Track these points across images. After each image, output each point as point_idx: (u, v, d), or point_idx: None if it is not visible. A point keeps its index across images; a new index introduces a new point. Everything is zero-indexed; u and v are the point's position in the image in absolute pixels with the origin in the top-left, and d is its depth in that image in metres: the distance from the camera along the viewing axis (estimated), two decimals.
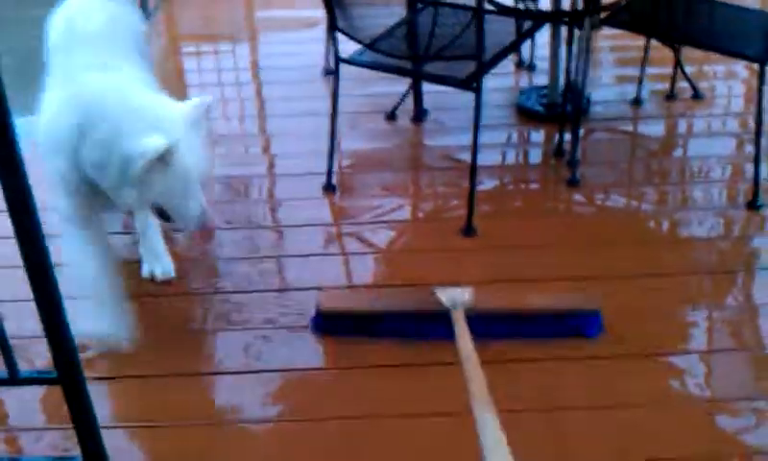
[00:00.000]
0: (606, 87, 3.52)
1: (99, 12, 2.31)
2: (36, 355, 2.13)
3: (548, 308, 2.16)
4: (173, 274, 2.45)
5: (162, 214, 2.08)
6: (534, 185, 2.94)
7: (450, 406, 1.83)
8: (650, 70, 3.33)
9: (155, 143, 1.86)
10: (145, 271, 2.46)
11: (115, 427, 1.94)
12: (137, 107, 1.97)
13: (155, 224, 2.40)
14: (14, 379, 1.71)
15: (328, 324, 2.20)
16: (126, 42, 2.33)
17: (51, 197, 2.05)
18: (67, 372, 1.66)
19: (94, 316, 2.06)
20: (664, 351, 2.14)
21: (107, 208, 2.18)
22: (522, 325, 2.13)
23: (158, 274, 2.45)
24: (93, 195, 2.07)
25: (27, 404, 2.04)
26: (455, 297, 2.06)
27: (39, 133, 2.04)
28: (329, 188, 2.87)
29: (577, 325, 2.14)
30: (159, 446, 1.94)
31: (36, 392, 2.05)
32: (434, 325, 2.07)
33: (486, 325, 2.02)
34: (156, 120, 1.94)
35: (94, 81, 2.04)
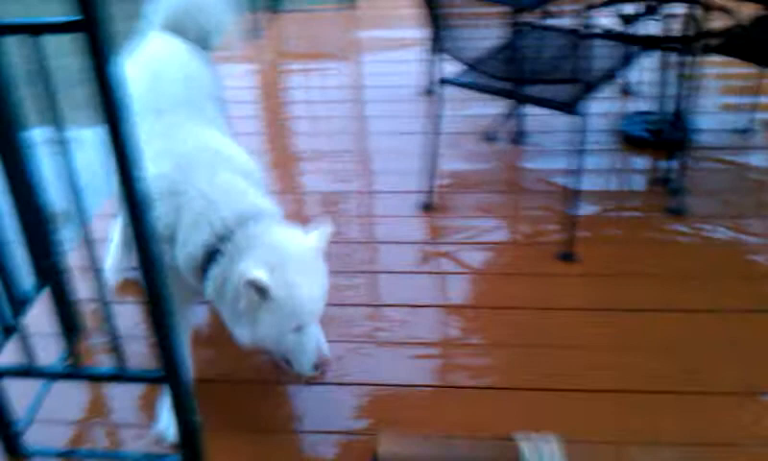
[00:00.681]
0: (712, 115, 3.42)
1: (183, 68, 2.24)
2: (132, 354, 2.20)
3: None
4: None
5: (285, 359, 1.92)
6: (635, 213, 2.88)
7: None
8: (760, 99, 3.23)
9: (253, 275, 1.74)
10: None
11: (216, 430, 1.99)
12: (262, 239, 1.85)
13: None
14: (124, 376, 1.79)
15: None
16: (212, 101, 2.25)
17: None
18: (173, 372, 1.73)
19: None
20: (766, 390, 2.06)
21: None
22: None
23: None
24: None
25: (131, 401, 2.13)
26: (543, 453, 1.76)
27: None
28: (426, 207, 2.89)
29: None
30: (255, 452, 1.98)
31: (141, 390, 2.13)
32: None
33: None
34: (270, 253, 1.82)
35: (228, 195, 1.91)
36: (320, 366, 1.87)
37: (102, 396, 2.16)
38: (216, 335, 2.37)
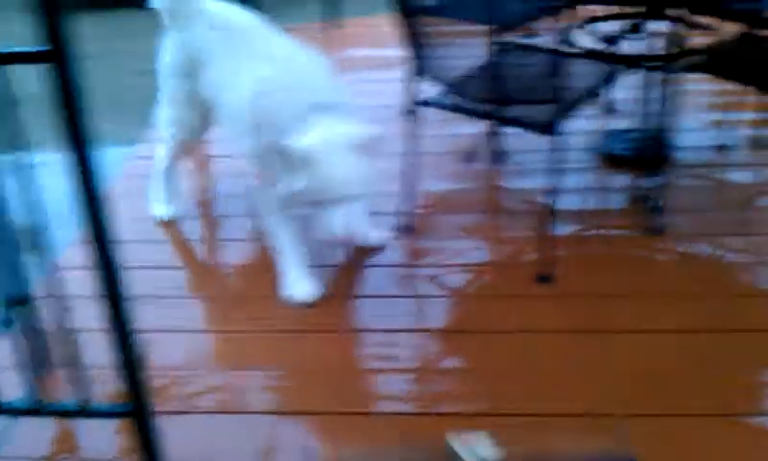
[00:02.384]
0: (693, 132, 3.42)
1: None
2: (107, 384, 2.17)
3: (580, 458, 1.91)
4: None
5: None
6: (615, 232, 2.86)
7: None
8: (739, 116, 3.23)
9: (298, 141, 2.23)
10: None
11: None
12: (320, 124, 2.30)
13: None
14: (86, 411, 1.75)
15: None
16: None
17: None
18: (138, 405, 1.69)
19: (300, 283, 2.56)
20: (743, 411, 2.03)
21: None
22: None
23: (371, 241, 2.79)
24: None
25: (102, 434, 2.07)
26: (477, 453, 1.83)
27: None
28: (405, 229, 2.86)
29: None
30: None
31: (111, 422, 2.08)
32: None
33: None
34: (318, 130, 2.28)
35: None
36: (342, 240, 2.43)
37: (71, 429, 2.11)
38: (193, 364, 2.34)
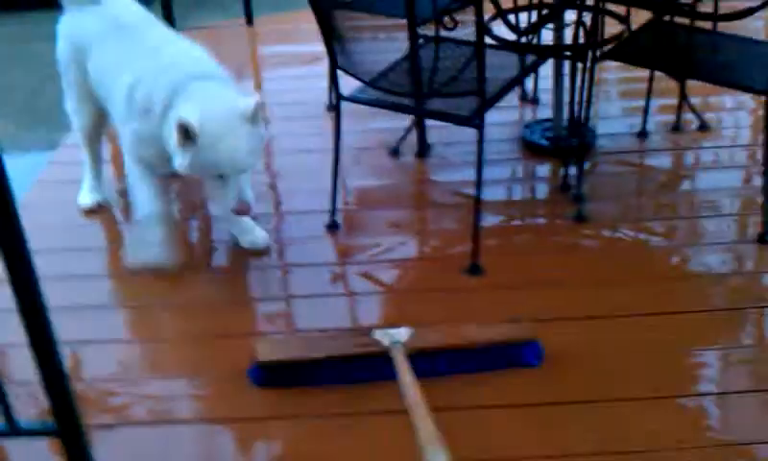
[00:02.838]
0: (611, 120, 3.50)
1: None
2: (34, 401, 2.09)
3: (487, 341, 2.15)
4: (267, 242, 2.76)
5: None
6: (540, 221, 2.91)
7: None
8: (656, 102, 3.31)
9: (183, 116, 2.16)
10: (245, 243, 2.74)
11: None
12: (204, 93, 2.29)
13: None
14: (13, 431, 1.68)
15: (267, 375, 2.14)
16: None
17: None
18: (66, 422, 1.63)
19: (147, 246, 2.54)
20: (674, 393, 2.09)
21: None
22: (463, 359, 2.13)
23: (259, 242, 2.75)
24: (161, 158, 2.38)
25: (31, 454, 1.99)
26: (393, 337, 2.09)
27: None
28: (333, 226, 2.85)
29: (517, 354, 2.14)
30: None
31: (42, 441, 2.00)
32: (376, 367, 2.07)
33: (427, 362, 2.06)
34: (204, 100, 2.25)
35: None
36: (239, 211, 2.35)
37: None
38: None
